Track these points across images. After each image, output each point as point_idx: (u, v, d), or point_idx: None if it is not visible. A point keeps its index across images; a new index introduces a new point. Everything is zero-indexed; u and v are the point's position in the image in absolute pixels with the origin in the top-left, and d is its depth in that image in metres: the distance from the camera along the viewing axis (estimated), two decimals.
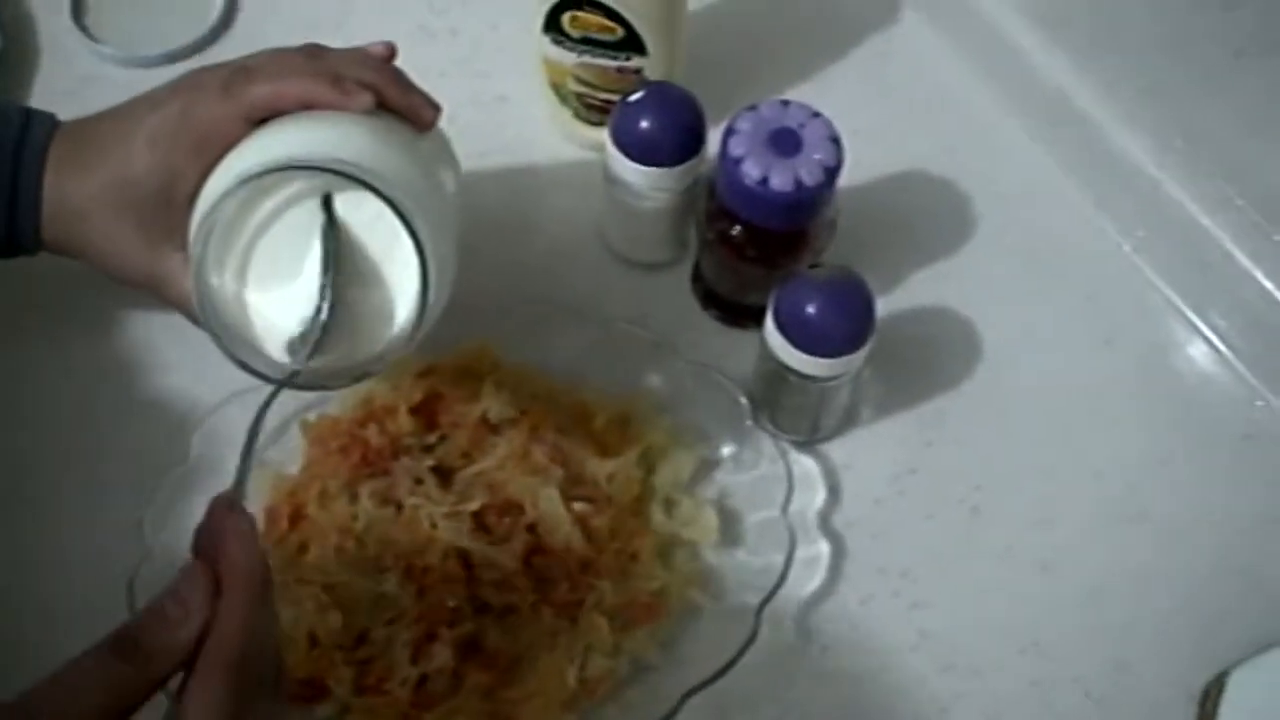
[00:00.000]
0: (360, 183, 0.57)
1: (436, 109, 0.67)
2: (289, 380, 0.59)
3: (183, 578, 0.50)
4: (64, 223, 0.68)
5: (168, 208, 0.65)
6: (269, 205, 0.59)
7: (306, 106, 0.62)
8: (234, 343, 0.59)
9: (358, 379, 0.62)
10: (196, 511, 0.67)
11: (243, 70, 0.64)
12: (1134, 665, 0.71)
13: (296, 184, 0.59)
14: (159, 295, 0.68)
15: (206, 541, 0.52)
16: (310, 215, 0.59)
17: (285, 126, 0.62)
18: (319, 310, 0.59)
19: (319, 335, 0.59)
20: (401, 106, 0.65)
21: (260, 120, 0.63)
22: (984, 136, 0.88)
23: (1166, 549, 0.75)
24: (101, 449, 0.74)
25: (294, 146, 0.59)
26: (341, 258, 0.59)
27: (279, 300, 0.60)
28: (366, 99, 0.62)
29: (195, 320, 0.64)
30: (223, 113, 0.63)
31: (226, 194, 0.57)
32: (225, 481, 0.69)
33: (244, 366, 0.59)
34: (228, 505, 0.53)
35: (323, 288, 0.59)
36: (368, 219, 0.59)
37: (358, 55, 0.67)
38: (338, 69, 0.64)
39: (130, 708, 0.47)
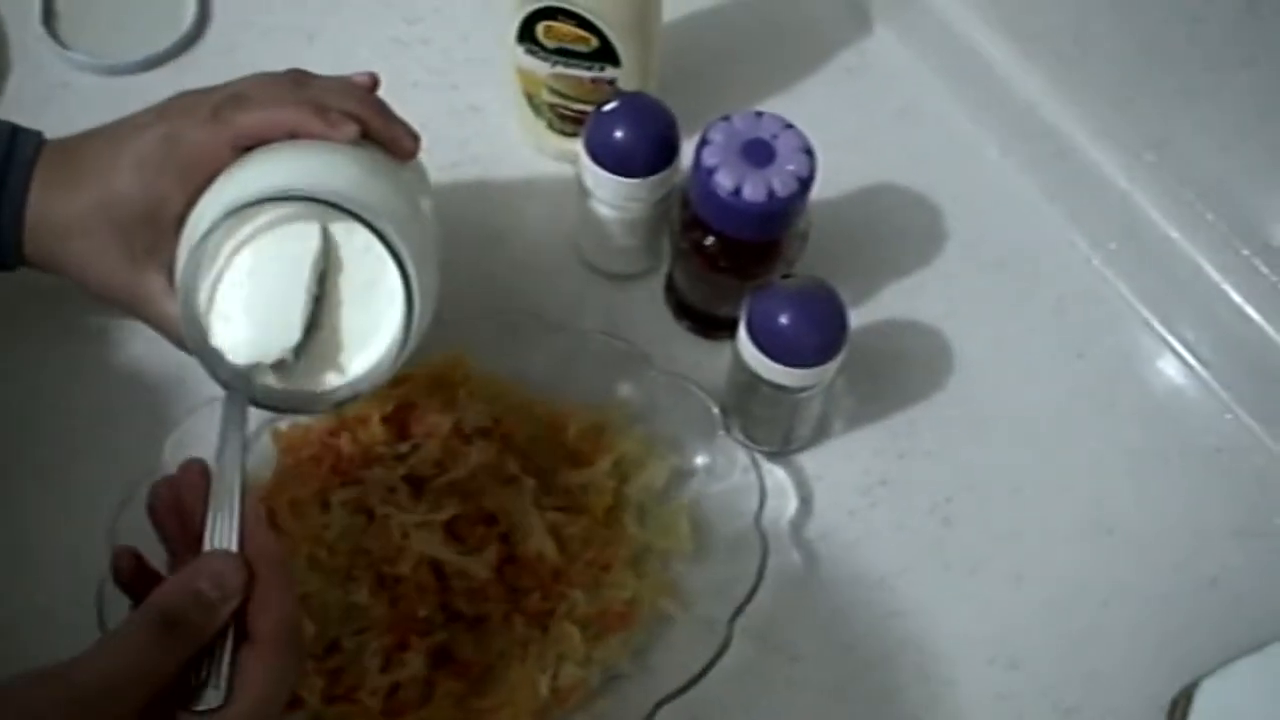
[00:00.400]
0: (352, 215, 0.58)
1: (416, 139, 0.67)
2: (271, 402, 0.61)
3: (215, 561, 0.53)
4: (47, 240, 0.68)
5: (152, 229, 0.65)
6: (258, 232, 0.60)
7: (293, 136, 0.63)
8: (220, 366, 0.60)
9: (340, 404, 0.63)
10: None
11: (233, 97, 0.65)
12: (1103, 677, 0.72)
13: (286, 214, 0.60)
14: (139, 314, 0.68)
15: (168, 494, 0.57)
16: (300, 243, 0.60)
17: (276, 155, 0.63)
18: (308, 334, 0.61)
19: (304, 359, 0.61)
20: (384, 138, 0.66)
21: (246, 148, 0.64)
22: (955, 150, 0.88)
23: (1136, 561, 0.75)
24: (74, 455, 0.74)
25: (287, 176, 0.60)
26: (330, 285, 0.61)
27: (266, 324, 0.61)
28: (352, 129, 0.63)
29: (175, 341, 0.66)
30: (211, 138, 0.64)
31: (218, 222, 0.57)
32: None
33: (229, 388, 0.60)
34: (201, 470, 0.57)
35: (311, 313, 0.61)
36: (356, 249, 0.61)
37: (342, 84, 0.68)
38: (323, 99, 0.65)
39: (164, 684, 0.50)
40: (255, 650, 0.53)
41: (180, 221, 0.63)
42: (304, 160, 0.62)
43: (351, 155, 0.63)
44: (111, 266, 0.66)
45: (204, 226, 0.58)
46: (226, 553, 0.54)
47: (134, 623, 0.51)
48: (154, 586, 0.54)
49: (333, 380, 0.62)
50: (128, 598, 0.57)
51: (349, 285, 0.62)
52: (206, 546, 0.54)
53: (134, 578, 0.57)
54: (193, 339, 0.60)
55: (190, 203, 0.63)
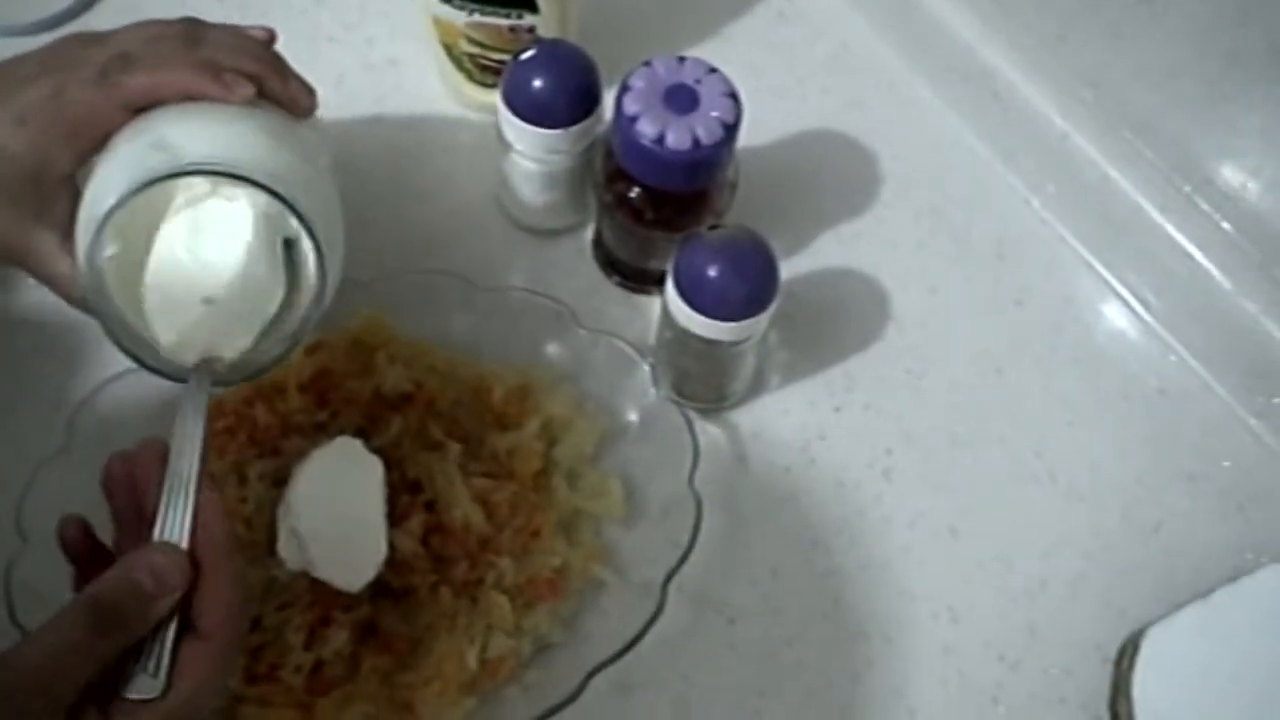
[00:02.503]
0: (263, 188, 0.57)
1: (313, 94, 0.66)
2: (182, 376, 0.60)
3: (157, 555, 0.52)
4: None
5: (37, 188, 0.63)
6: (162, 202, 0.59)
7: (186, 97, 0.61)
8: (134, 342, 0.59)
9: (262, 372, 0.61)
10: (74, 497, 0.65)
11: (120, 57, 0.62)
12: (1048, 628, 0.70)
13: (194, 189, 0.59)
14: (29, 272, 0.66)
15: (121, 469, 0.56)
16: (210, 213, 0.59)
17: (174, 121, 0.60)
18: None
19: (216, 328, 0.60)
20: (281, 97, 0.64)
21: (139, 109, 0.61)
22: (889, 93, 0.87)
23: (1079, 508, 0.74)
24: None
25: (190, 146, 0.58)
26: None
27: (180, 297, 0.60)
28: (247, 91, 0.61)
29: (68, 299, 0.64)
30: (100, 100, 0.61)
31: (120, 203, 0.56)
32: (102, 463, 0.67)
33: (139, 362, 0.59)
34: (159, 452, 0.56)
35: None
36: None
37: (236, 39, 0.65)
38: (216, 57, 0.62)
39: (102, 670, 0.50)
40: (197, 643, 0.52)
41: (68, 181, 0.61)
42: (206, 127, 0.60)
43: (249, 118, 0.61)
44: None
45: (106, 206, 0.56)
46: (171, 547, 0.53)
47: (70, 613, 0.50)
48: (97, 557, 0.55)
49: (243, 347, 0.61)
50: (72, 566, 0.56)
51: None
52: (156, 535, 0.53)
53: (79, 547, 0.56)
54: (105, 316, 0.58)
55: (78, 163, 0.61)
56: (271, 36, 0.67)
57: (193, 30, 0.64)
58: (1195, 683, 0.67)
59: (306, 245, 0.58)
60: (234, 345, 0.60)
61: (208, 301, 0.59)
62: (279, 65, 0.65)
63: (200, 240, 0.59)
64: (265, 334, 0.61)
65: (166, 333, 0.59)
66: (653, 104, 0.67)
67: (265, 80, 0.62)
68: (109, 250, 0.57)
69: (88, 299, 0.58)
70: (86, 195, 0.59)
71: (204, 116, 0.60)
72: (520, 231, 0.79)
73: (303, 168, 0.61)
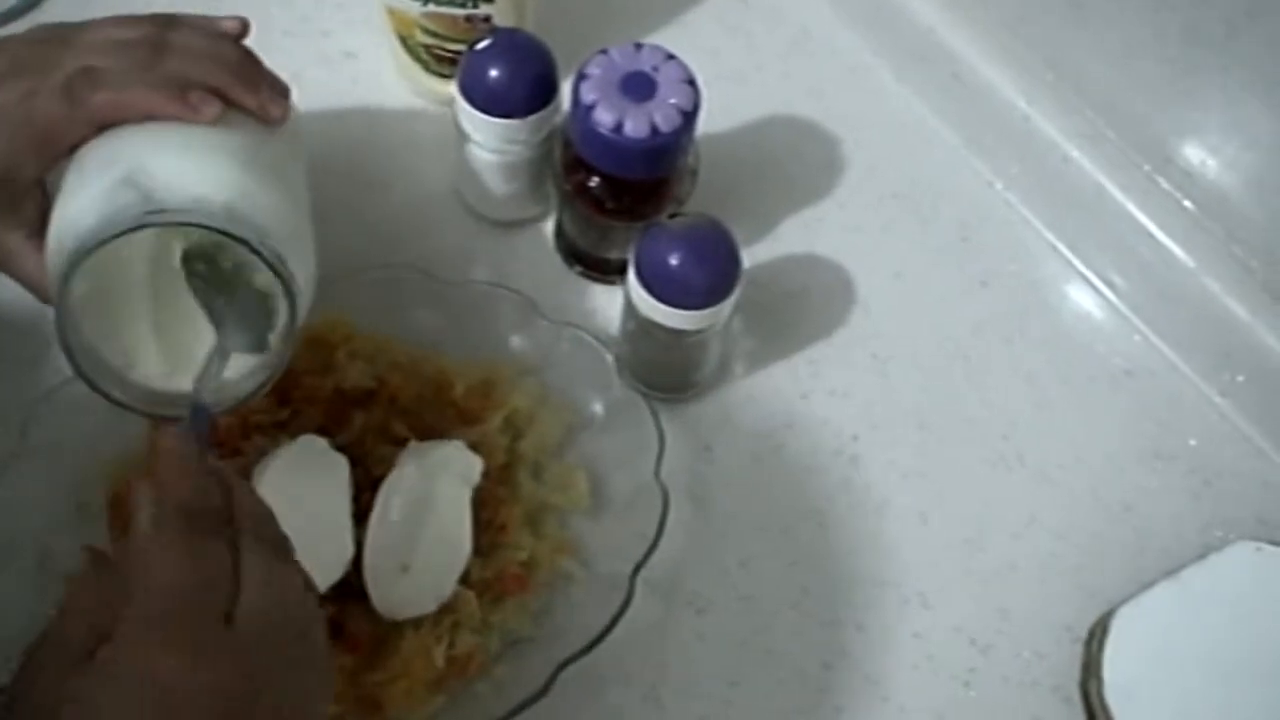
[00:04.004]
0: (234, 238, 0.55)
1: (286, 95, 0.64)
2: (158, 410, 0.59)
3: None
4: None
5: (7, 190, 0.62)
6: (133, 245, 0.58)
7: (151, 117, 0.60)
8: (101, 375, 0.58)
9: (229, 410, 0.60)
10: (31, 498, 0.64)
11: (85, 72, 0.60)
12: (1018, 611, 0.70)
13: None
14: (2, 270, 0.65)
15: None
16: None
17: (141, 149, 0.58)
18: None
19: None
20: (250, 108, 0.62)
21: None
22: (850, 78, 0.86)
23: (1047, 491, 0.74)
24: None
25: (157, 184, 0.56)
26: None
27: (154, 332, 0.60)
28: (213, 111, 0.60)
29: (38, 295, 0.63)
30: (65, 116, 0.60)
31: (85, 253, 0.54)
32: (61, 466, 0.66)
33: (108, 397, 0.58)
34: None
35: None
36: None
37: (206, 40, 0.63)
38: (184, 69, 0.61)
39: None
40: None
41: (36, 184, 0.61)
42: (170, 161, 0.58)
43: (216, 147, 0.59)
44: None
45: (71, 248, 0.55)
46: None
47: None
48: None
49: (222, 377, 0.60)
50: None
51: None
52: None
53: None
54: (74, 351, 0.57)
55: (45, 170, 0.61)
56: (244, 27, 0.66)
57: (161, 35, 0.62)
58: (1165, 661, 0.67)
59: (273, 281, 0.57)
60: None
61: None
62: (250, 71, 0.63)
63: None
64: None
65: (159, 363, 0.59)
66: (609, 92, 0.66)
67: (233, 93, 0.61)
68: (79, 288, 0.56)
69: (58, 331, 0.56)
70: (54, 223, 0.58)
71: (171, 144, 0.59)
72: (481, 223, 0.79)
73: (273, 196, 0.59)
